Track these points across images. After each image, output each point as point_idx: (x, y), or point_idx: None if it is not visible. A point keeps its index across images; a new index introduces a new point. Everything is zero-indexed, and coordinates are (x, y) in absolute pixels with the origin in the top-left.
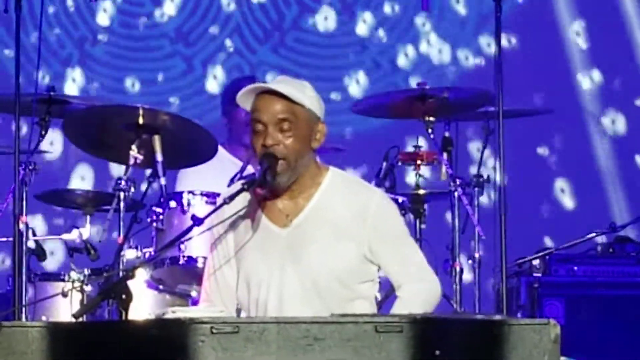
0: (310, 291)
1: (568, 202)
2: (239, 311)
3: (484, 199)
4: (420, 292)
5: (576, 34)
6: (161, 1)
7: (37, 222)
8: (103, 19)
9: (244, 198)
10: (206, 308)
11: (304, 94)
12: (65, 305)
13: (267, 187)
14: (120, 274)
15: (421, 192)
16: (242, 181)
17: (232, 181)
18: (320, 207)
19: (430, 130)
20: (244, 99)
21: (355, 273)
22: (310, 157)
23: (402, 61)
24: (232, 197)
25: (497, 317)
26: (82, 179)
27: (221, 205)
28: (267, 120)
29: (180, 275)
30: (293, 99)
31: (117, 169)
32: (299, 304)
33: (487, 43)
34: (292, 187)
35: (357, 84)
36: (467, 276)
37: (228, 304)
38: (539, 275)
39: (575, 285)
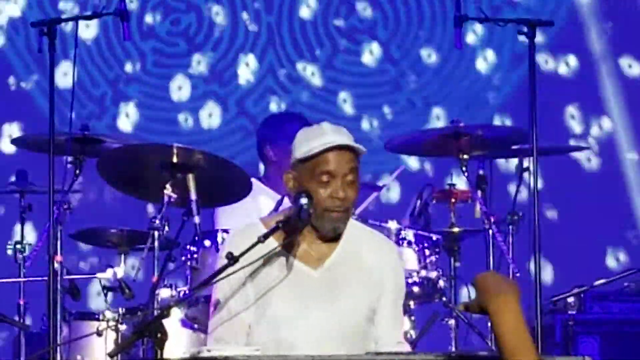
0: (341, 333)
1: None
2: None
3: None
4: None
5: None
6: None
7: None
8: (135, 57)
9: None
10: (241, 347)
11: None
12: (100, 345)
13: (303, 225)
14: (155, 312)
15: (455, 230)
16: (277, 219)
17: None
18: (347, 252)
19: (464, 168)
20: (302, 144)
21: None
22: None
23: (437, 98)
24: (266, 236)
25: None
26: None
27: (256, 244)
28: (338, 173)
29: None
30: (358, 152)
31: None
32: (329, 345)
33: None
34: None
35: (389, 121)
36: None
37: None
38: (574, 312)
39: (610, 323)
